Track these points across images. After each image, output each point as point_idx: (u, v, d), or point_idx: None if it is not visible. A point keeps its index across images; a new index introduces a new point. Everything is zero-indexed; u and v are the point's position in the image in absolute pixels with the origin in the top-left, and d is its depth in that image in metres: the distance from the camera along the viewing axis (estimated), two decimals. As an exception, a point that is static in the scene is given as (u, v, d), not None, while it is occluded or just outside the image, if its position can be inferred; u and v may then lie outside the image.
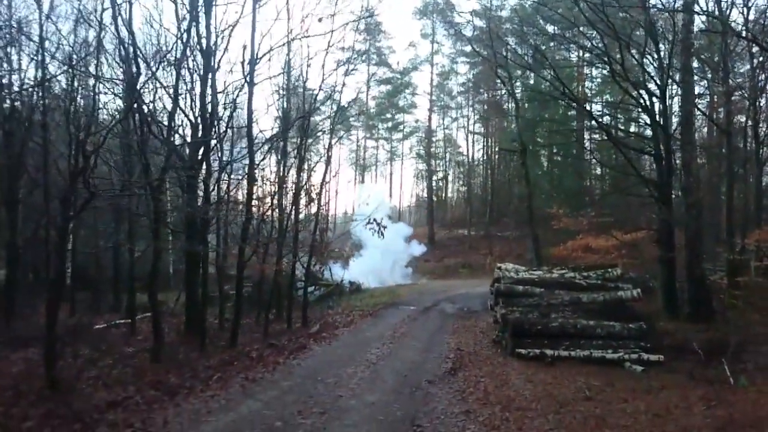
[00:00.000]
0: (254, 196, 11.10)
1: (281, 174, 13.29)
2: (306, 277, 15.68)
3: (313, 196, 14.10)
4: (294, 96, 15.03)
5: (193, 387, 7.11)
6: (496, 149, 46.36)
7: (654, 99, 14.37)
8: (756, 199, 18.63)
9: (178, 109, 9.47)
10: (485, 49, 33.19)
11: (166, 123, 9.64)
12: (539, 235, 21.97)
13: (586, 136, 37.21)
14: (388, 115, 49.26)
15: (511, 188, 45.03)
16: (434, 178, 49.80)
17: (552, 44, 35.26)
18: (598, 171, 39.36)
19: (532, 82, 27.19)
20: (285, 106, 14.23)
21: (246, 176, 10.56)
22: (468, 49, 45.47)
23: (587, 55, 23.28)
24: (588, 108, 17.15)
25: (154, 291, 8.74)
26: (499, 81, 21.73)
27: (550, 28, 28.74)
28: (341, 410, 6.39)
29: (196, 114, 10.46)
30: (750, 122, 18.07)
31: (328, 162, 15.52)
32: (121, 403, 6.20)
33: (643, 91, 14.42)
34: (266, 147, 11.72)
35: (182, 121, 10.68)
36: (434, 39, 45.68)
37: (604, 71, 20.12)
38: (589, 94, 33.83)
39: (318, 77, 14.25)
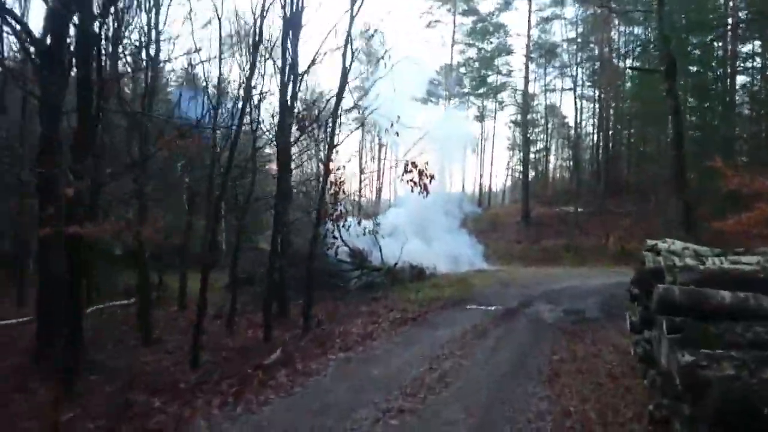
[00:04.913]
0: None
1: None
2: (312, 247, 9.95)
3: (309, 122, 8.19)
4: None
5: None
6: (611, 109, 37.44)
7: None
8: None
9: None
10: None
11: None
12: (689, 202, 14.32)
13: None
14: (475, 74, 41.63)
15: (631, 152, 36.14)
16: (532, 149, 41.93)
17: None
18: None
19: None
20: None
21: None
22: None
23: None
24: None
25: None
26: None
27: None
28: None
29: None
30: None
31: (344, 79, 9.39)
32: None
33: None
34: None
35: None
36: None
37: None
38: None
39: None
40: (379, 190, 43.27)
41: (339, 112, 9.48)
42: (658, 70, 13.53)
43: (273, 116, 9.72)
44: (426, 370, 6.26)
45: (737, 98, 29.36)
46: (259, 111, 10.14)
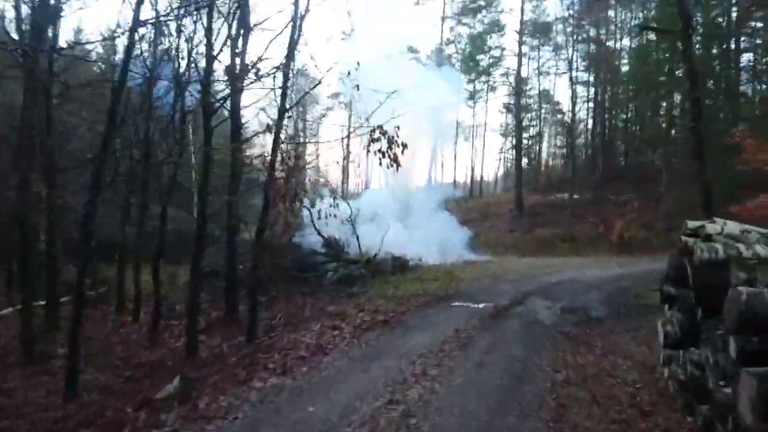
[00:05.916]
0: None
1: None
2: (258, 236, 8.13)
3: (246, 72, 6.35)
4: None
5: None
6: (607, 97, 35.74)
7: None
8: None
9: None
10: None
11: None
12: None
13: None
14: (469, 62, 39.47)
15: (628, 137, 34.56)
16: (525, 135, 40.22)
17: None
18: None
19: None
20: None
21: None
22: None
23: None
24: None
25: None
26: None
27: None
28: None
29: None
30: None
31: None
32: None
33: None
34: None
35: None
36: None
37: None
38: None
39: None
40: (365, 175, 41.50)
41: (291, 67, 7.65)
42: (673, 30, 11.73)
43: (199, 71, 7.84)
44: (384, 404, 4.50)
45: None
46: (190, 66, 8.27)
